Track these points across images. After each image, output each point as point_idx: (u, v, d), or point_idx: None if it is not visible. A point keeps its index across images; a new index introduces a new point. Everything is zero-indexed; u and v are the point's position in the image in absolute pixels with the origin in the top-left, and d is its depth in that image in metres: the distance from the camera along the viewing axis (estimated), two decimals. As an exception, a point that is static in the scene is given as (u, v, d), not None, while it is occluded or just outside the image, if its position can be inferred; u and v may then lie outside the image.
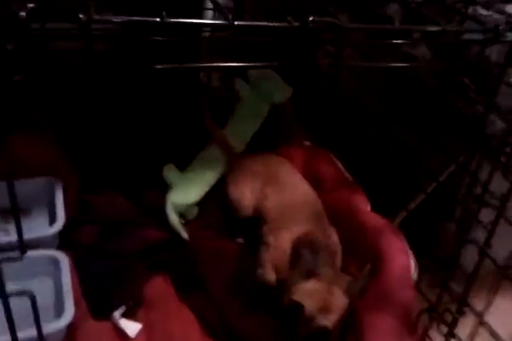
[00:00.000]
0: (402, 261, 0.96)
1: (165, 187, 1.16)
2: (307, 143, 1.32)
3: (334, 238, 1.04)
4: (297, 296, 0.88)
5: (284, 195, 1.10)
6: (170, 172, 1.17)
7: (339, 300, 0.89)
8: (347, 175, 1.17)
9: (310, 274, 0.90)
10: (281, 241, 1.00)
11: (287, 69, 1.24)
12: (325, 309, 0.87)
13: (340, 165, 1.21)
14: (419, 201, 1.09)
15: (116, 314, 0.91)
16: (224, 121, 1.28)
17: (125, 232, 1.06)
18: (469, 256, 0.86)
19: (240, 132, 1.27)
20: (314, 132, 1.37)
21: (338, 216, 1.08)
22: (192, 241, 1.10)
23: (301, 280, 0.89)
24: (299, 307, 0.87)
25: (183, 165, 1.21)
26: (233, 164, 1.20)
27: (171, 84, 1.37)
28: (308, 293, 0.88)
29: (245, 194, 1.13)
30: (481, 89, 0.82)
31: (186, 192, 1.16)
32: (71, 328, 0.86)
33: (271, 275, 0.99)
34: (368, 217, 1.04)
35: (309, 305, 0.87)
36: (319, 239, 0.94)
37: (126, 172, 1.20)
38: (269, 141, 1.31)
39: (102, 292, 0.95)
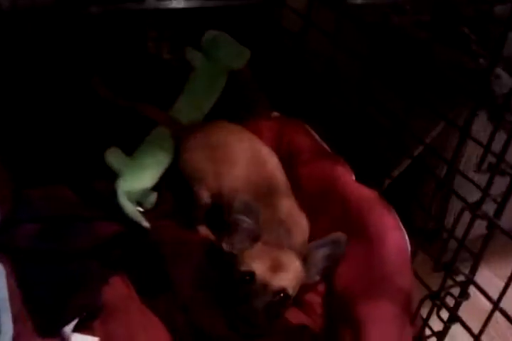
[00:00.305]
0: (397, 240, 0.84)
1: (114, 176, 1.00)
2: (275, 113, 1.17)
3: (292, 211, 0.93)
4: (244, 264, 0.79)
5: (236, 169, 0.98)
6: (114, 158, 1.01)
7: (290, 260, 0.80)
8: (325, 145, 1.04)
9: (254, 239, 0.82)
10: None
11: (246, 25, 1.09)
12: (277, 268, 0.78)
13: (316, 135, 1.07)
14: (403, 167, 0.96)
15: (68, 329, 0.76)
16: (176, 95, 1.12)
17: (71, 229, 0.91)
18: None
19: (196, 105, 1.12)
20: (282, 101, 1.22)
21: (319, 189, 0.96)
22: (152, 232, 0.95)
23: (245, 248, 0.82)
24: (252, 276, 0.77)
25: (130, 151, 1.05)
26: (186, 139, 1.05)
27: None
28: (255, 256, 0.80)
29: (204, 174, 0.99)
30: (484, 41, 0.69)
31: (138, 177, 1.00)
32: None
33: None
34: (353, 188, 0.92)
35: (258, 267, 0.78)
36: (257, 206, 0.82)
37: (67, 162, 1.03)
38: (230, 114, 1.16)
39: (49, 303, 0.79)
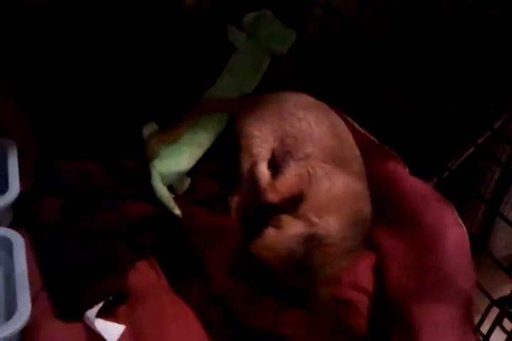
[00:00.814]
0: (457, 237, 0.76)
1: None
2: None
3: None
4: None
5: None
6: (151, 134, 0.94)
7: None
8: (371, 137, 0.95)
9: None
10: None
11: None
12: None
13: (356, 125, 0.99)
14: (463, 157, 0.87)
15: (91, 313, 0.68)
16: (216, 76, 1.05)
17: (100, 207, 0.83)
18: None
19: (237, 86, 1.04)
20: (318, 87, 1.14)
21: (370, 183, 0.87)
22: (184, 218, 0.87)
23: None
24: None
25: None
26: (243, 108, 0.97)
27: (152, 31, 1.13)
28: None
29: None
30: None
31: (175, 158, 0.92)
32: (27, 332, 0.63)
33: None
34: (408, 182, 0.84)
35: None
36: None
37: (101, 136, 0.95)
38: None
39: (71, 284, 0.71)
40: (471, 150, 0.86)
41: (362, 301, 0.81)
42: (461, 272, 0.73)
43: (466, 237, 0.76)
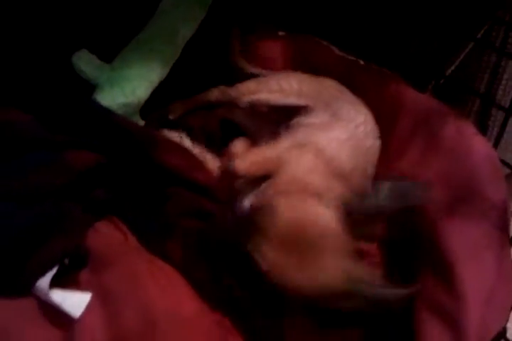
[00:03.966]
0: (483, 147, 0.66)
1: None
2: (281, 33, 0.94)
3: None
4: None
5: None
6: (86, 64, 0.76)
7: None
8: (354, 58, 0.83)
9: None
10: None
11: None
12: None
13: (336, 49, 0.86)
14: (457, 64, 0.77)
15: (43, 283, 0.51)
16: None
17: (33, 160, 0.65)
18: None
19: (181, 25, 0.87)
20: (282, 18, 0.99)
21: (377, 109, 0.75)
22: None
23: None
24: None
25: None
26: None
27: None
28: None
29: None
30: None
31: (121, 92, 0.75)
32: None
33: None
34: (418, 100, 0.74)
35: None
36: None
37: (24, 73, 0.75)
38: (222, 34, 0.93)
39: (12, 252, 0.54)
40: (468, 48, 0.74)
41: (374, 248, 0.69)
42: (492, 182, 0.62)
43: (491, 147, 0.65)
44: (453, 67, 0.76)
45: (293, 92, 0.77)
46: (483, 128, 0.79)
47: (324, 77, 0.80)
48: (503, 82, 0.76)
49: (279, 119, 0.77)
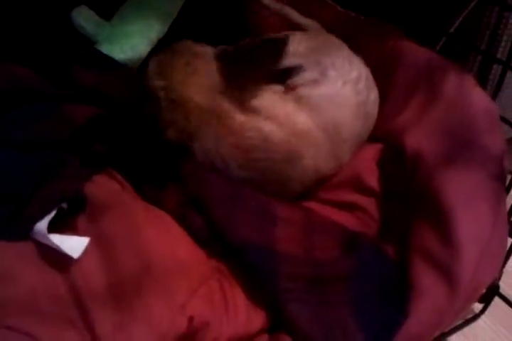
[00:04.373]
0: (482, 97, 0.65)
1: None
2: None
3: None
4: None
5: None
6: (86, 20, 0.76)
7: None
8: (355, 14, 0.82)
9: None
10: None
11: None
12: None
13: (339, 7, 0.84)
14: (459, 20, 0.76)
15: (41, 226, 0.52)
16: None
17: (35, 112, 0.65)
18: None
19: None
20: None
21: (375, 63, 0.75)
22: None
23: None
24: None
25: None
26: None
27: None
28: None
29: None
30: None
31: (120, 49, 0.75)
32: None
33: None
34: (420, 53, 0.72)
35: None
36: None
37: (24, 29, 0.75)
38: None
39: (9, 196, 0.55)
40: (471, 5, 0.73)
41: (369, 202, 0.69)
42: (490, 133, 0.62)
43: (490, 99, 0.65)
44: (456, 24, 0.75)
45: (288, 54, 0.76)
46: (483, 85, 0.78)
47: (321, 32, 0.79)
48: (504, 37, 0.75)
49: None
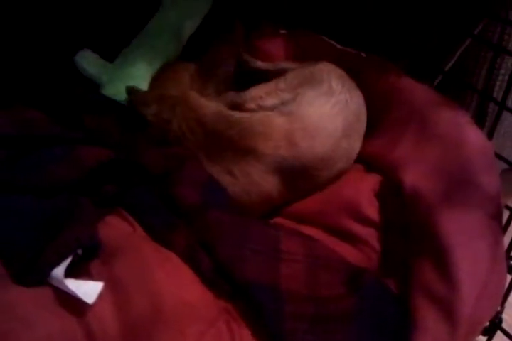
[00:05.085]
0: (477, 136, 0.67)
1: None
2: (283, 31, 0.96)
3: None
4: None
5: None
6: (89, 63, 0.79)
7: None
8: (353, 51, 0.85)
9: None
10: None
11: None
12: None
13: (336, 44, 0.88)
14: (455, 59, 0.79)
15: (58, 272, 0.54)
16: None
17: (50, 155, 0.68)
18: None
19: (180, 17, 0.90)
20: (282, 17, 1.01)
21: (376, 96, 0.79)
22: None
23: None
24: None
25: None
26: None
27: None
28: None
29: None
30: None
31: (123, 83, 0.78)
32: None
33: None
34: (417, 90, 0.76)
35: None
36: None
37: (33, 74, 0.79)
38: (224, 30, 0.95)
39: (28, 243, 0.58)
40: (466, 44, 0.76)
41: (370, 234, 0.71)
42: (486, 172, 0.64)
43: (485, 137, 0.67)
44: (451, 63, 0.78)
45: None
46: (481, 123, 0.81)
47: (322, 63, 0.82)
48: (500, 77, 0.77)
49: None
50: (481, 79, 0.79)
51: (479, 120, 0.80)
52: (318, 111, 0.73)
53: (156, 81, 0.84)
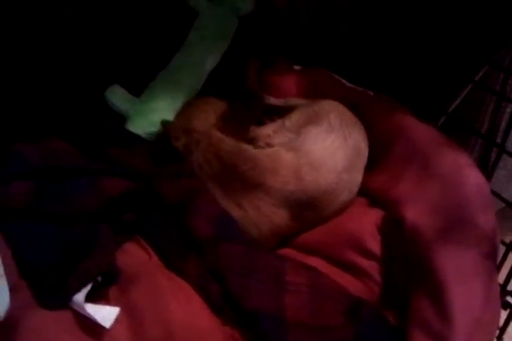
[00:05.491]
0: (475, 177, 0.70)
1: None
2: (297, 67, 1.01)
3: None
4: None
5: None
6: (118, 98, 0.85)
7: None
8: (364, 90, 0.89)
9: None
10: None
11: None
12: None
13: (346, 82, 0.92)
14: (458, 102, 0.83)
15: (79, 297, 0.59)
16: (182, 39, 0.97)
17: (75, 186, 0.74)
18: None
19: (206, 51, 0.96)
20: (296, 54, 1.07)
21: (379, 134, 0.83)
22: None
23: None
24: None
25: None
26: None
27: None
28: None
29: None
30: None
31: (149, 121, 0.84)
32: (7, 325, 0.56)
33: None
34: (417, 127, 0.79)
35: None
36: None
37: (62, 109, 0.85)
38: (241, 66, 1.01)
39: (52, 269, 0.63)
40: (468, 88, 0.80)
41: (372, 266, 0.75)
42: (483, 213, 0.67)
43: (484, 178, 0.71)
44: (455, 105, 0.82)
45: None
46: (485, 164, 0.84)
47: (326, 101, 0.87)
48: (504, 121, 0.81)
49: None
50: (486, 122, 0.83)
51: (483, 160, 0.84)
52: (321, 147, 0.78)
53: (182, 115, 0.89)
